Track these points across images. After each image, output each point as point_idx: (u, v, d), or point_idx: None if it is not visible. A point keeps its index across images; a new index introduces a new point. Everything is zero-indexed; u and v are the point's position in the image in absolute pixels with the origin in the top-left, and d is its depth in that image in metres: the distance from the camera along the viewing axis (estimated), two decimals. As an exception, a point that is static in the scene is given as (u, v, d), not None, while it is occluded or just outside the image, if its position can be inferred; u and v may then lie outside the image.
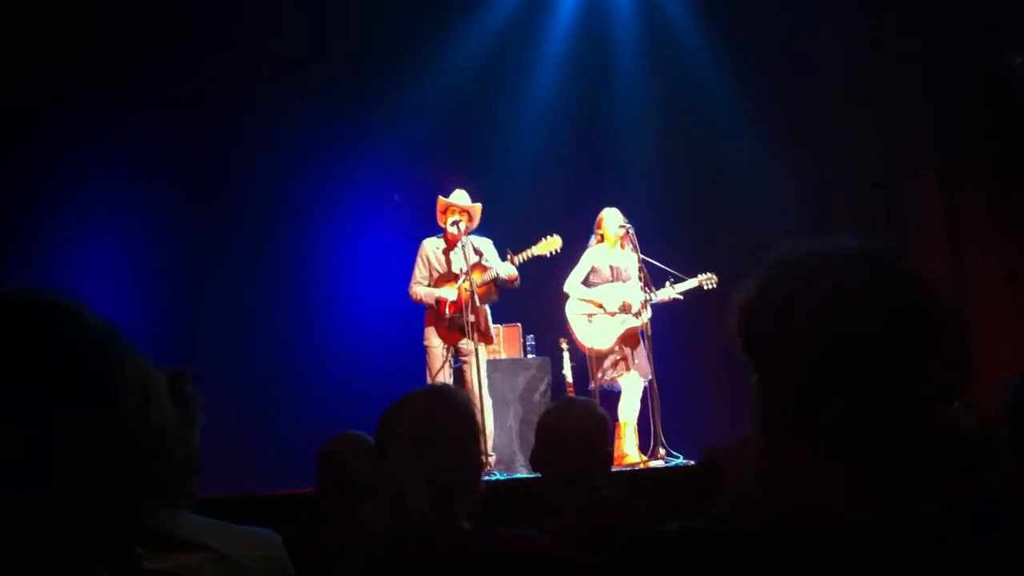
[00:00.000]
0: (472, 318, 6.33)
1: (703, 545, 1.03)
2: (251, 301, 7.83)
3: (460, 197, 6.69)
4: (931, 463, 1.04)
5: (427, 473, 1.98)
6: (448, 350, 6.55)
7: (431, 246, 6.72)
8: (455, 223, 6.53)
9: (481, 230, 6.76)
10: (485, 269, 6.50)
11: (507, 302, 6.90)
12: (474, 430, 2.10)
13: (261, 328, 7.82)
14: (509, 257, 6.53)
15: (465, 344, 6.43)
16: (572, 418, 2.78)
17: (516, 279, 6.50)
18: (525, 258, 6.55)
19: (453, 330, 6.48)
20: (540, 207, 8.03)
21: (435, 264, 6.67)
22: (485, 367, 6.44)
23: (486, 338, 6.55)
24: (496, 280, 6.49)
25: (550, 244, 6.59)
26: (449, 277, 6.60)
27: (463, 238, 6.51)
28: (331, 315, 8.12)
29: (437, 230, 6.73)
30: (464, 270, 6.43)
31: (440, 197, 6.68)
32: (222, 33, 7.81)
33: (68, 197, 7.56)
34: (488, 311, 6.60)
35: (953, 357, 1.06)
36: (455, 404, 2.10)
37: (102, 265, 7.43)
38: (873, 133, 8.25)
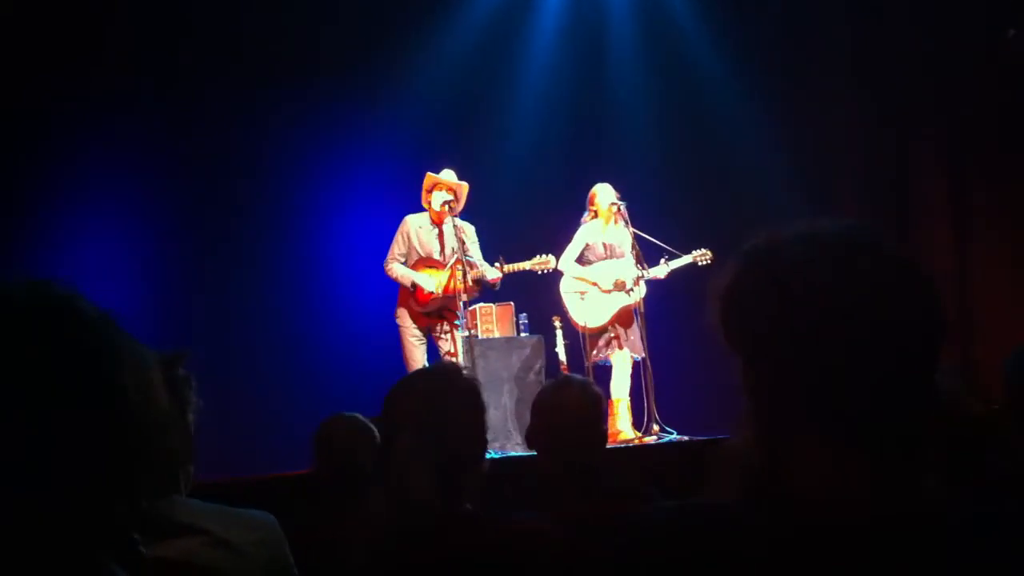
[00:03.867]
0: (465, 297, 6.31)
1: (711, 538, 1.03)
2: (244, 287, 7.86)
3: (449, 175, 6.64)
4: (936, 446, 1.04)
5: (433, 455, 1.97)
6: (423, 330, 6.53)
7: (414, 224, 6.62)
8: (445, 202, 6.48)
9: (471, 213, 6.72)
10: (472, 266, 6.46)
11: (500, 281, 6.89)
12: (479, 409, 2.09)
13: (254, 313, 7.84)
14: (499, 264, 6.48)
15: (442, 327, 6.45)
16: (568, 397, 2.78)
17: (498, 282, 6.49)
18: (514, 270, 6.52)
19: (428, 314, 6.47)
20: (536, 185, 8.02)
21: (416, 244, 6.58)
22: (464, 349, 6.42)
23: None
24: (481, 281, 6.46)
25: (543, 263, 6.56)
26: (431, 263, 6.54)
27: (449, 220, 6.47)
28: (322, 297, 8.12)
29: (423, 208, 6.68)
30: (455, 250, 6.39)
31: (429, 173, 6.62)
32: (222, 32, 7.79)
33: (70, 195, 7.55)
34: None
35: (942, 334, 1.05)
36: (459, 383, 2.09)
37: (102, 255, 7.44)
38: (876, 114, 8.23)
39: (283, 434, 6.56)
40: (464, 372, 2.19)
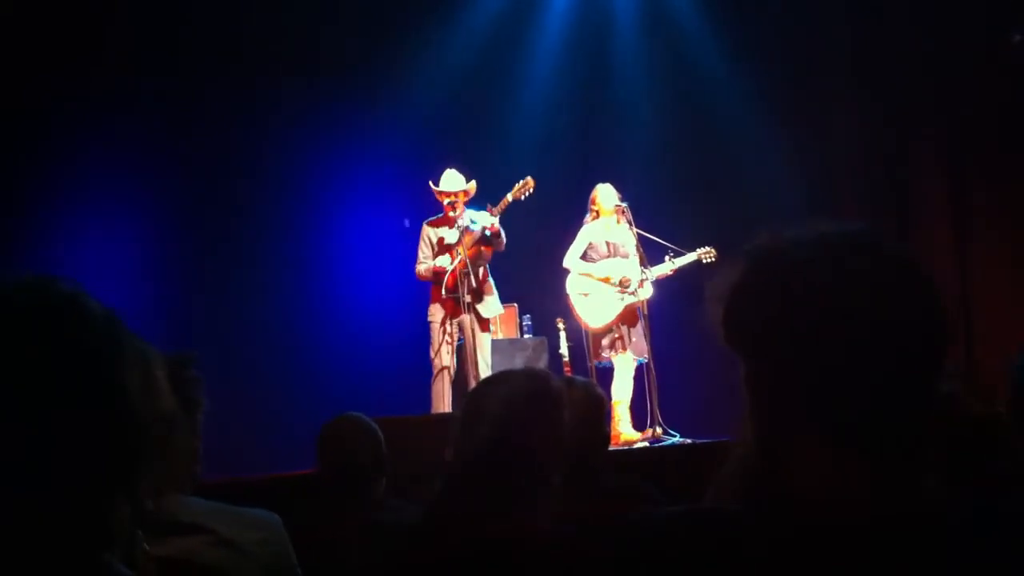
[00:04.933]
0: (468, 298, 6.35)
1: (711, 538, 1.03)
2: (245, 287, 7.86)
3: (451, 180, 6.67)
4: (936, 446, 1.04)
5: (505, 456, 1.94)
6: (449, 324, 6.56)
7: (431, 227, 6.77)
8: (452, 205, 6.57)
9: (479, 204, 6.76)
10: (472, 232, 6.54)
11: (504, 282, 6.90)
12: (560, 421, 2.02)
13: (255, 313, 7.84)
14: (488, 209, 6.54)
15: (464, 319, 6.47)
16: (571, 399, 2.77)
17: (499, 230, 6.50)
18: (503, 207, 6.54)
19: (457, 302, 6.52)
20: (539, 184, 8.03)
21: (435, 243, 6.72)
22: (488, 345, 6.48)
23: (478, 297, 6.54)
24: (482, 237, 6.50)
25: (523, 186, 6.58)
26: (446, 249, 6.64)
27: (462, 216, 6.55)
28: (324, 297, 8.13)
29: (437, 209, 6.75)
30: (457, 239, 6.49)
31: (431, 184, 6.69)
32: (222, 32, 7.80)
33: (70, 194, 7.56)
34: (491, 281, 6.62)
35: (944, 335, 1.06)
36: (549, 392, 2.06)
37: (102, 255, 7.45)
38: (878, 112, 8.21)
39: (285, 434, 6.57)
40: (553, 381, 2.12)
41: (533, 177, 6.62)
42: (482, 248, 6.57)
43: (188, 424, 1.89)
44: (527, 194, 6.60)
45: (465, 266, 6.39)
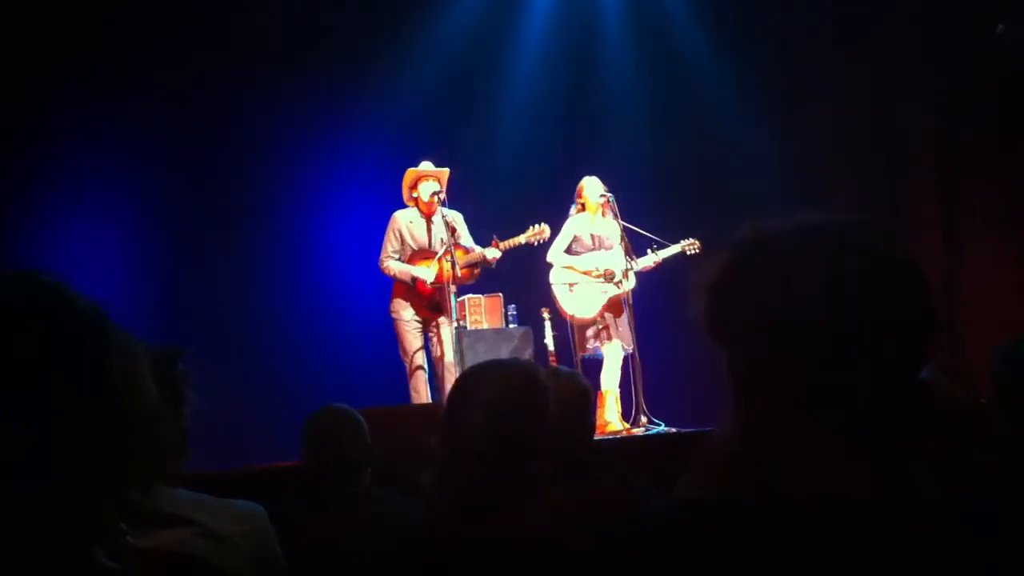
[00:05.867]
0: (453, 288, 6.31)
1: (713, 534, 1.02)
2: (232, 281, 7.87)
3: (429, 165, 6.64)
4: (931, 441, 1.04)
5: (495, 450, 1.93)
6: (421, 323, 6.53)
7: (403, 219, 6.63)
8: (434, 193, 6.48)
9: (462, 202, 6.72)
10: (467, 251, 6.45)
11: (488, 271, 6.90)
12: (547, 413, 2.02)
13: (244, 304, 7.86)
14: (494, 243, 6.49)
15: (442, 321, 6.42)
16: (556, 389, 2.77)
17: (495, 261, 6.49)
18: (511, 246, 6.52)
19: (431, 308, 6.47)
20: (524, 177, 8.03)
21: (408, 239, 6.58)
22: (454, 340, 6.44)
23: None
24: (480, 263, 6.47)
25: (537, 234, 6.57)
26: (426, 254, 6.54)
27: (439, 210, 6.47)
28: (313, 288, 8.13)
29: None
30: (444, 241, 6.40)
31: (410, 169, 6.62)
32: (219, 26, 7.78)
33: (67, 191, 7.58)
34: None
35: (934, 325, 1.05)
36: (536, 384, 2.04)
37: (97, 248, 7.48)
38: (868, 102, 8.21)
39: (271, 426, 6.57)
40: (540, 372, 2.10)
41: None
42: (475, 271, 6.54)
43: (174, 417, 1.88)
44: (539, 241, 6.58)
45: (453, 279, 6.30)
